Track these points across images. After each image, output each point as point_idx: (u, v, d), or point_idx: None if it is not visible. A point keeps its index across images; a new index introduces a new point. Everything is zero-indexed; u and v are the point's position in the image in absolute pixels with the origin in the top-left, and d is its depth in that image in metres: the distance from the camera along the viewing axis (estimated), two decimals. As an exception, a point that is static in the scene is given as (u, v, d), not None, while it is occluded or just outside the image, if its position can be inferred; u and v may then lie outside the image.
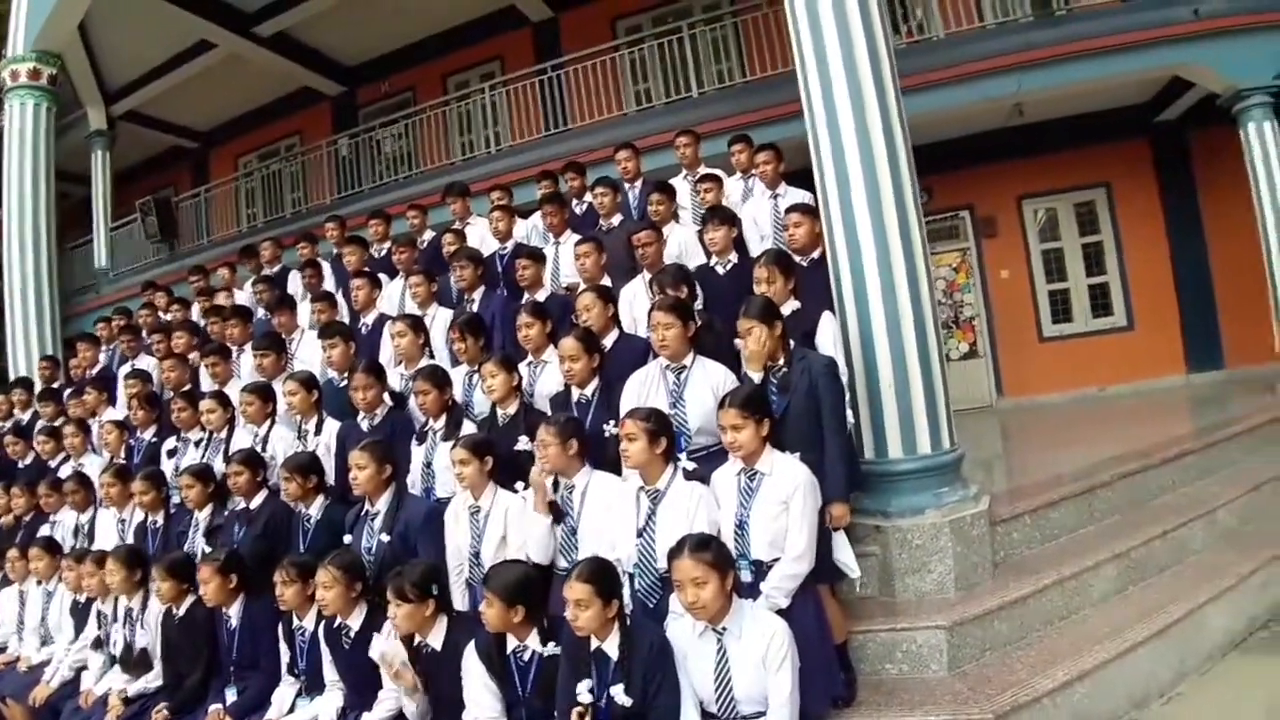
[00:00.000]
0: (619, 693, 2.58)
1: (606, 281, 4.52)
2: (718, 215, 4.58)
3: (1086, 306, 9.09)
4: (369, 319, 5.35)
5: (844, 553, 3.25)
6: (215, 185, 12.76)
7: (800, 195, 4.94)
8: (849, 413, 3.69)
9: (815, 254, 4.25)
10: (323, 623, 3.36)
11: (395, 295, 5.63)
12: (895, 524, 3.83)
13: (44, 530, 5.25)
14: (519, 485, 3.37)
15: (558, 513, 3.25)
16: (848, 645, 3.42)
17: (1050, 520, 4.34)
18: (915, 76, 6.69)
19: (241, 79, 11.81)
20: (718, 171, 5.66)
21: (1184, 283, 8.77)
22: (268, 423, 4.48)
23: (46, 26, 9.36)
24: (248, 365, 5.21)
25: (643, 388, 3.47)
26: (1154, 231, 8.85)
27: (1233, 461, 5.40)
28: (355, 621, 3.27)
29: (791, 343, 3.42)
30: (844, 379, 3.55)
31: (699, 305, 4.00)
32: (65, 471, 5.50)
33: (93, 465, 5.35)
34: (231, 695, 3.57)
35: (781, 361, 3.34)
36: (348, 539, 3.59)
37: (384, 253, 6.46)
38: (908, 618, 3.59)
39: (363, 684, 3.24)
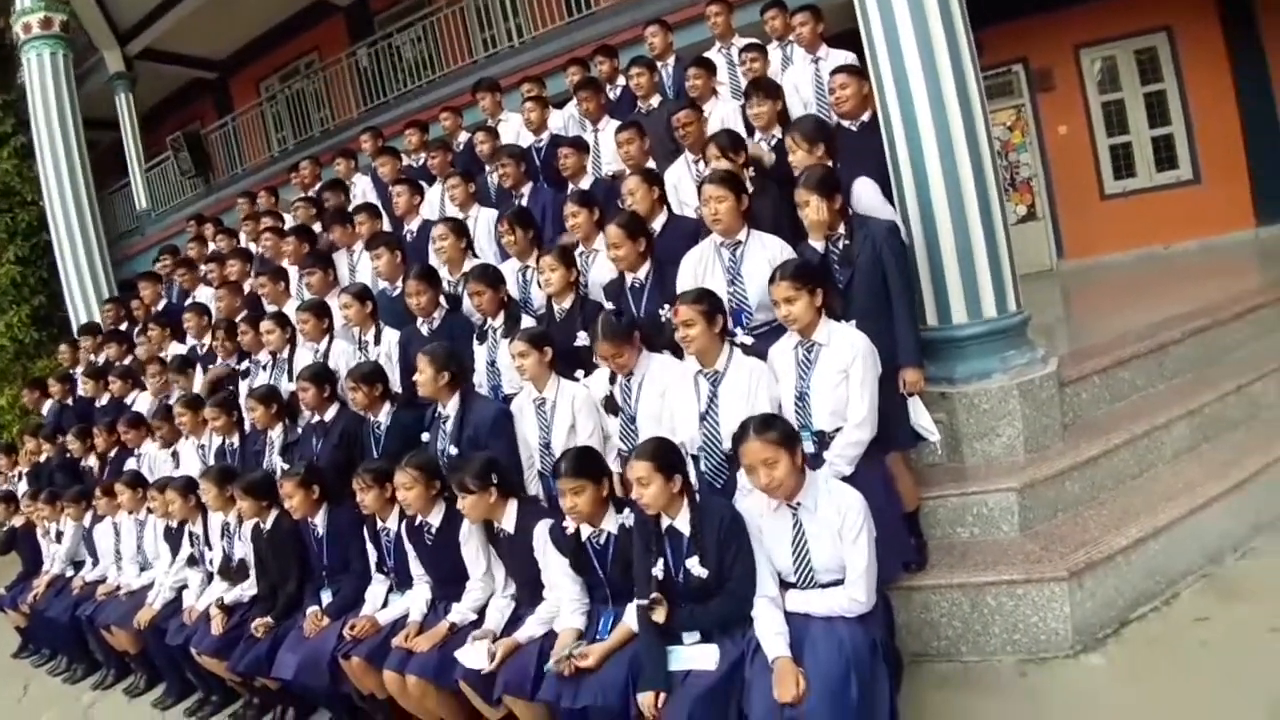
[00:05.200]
0: (694, 564, 2.60)
1: (652, 165, 4.38)
2: (761, 89, 4.33)
3: (1150, 160, 8.53)
4: (413, 226, 5.31)
5: (922, 417, 3.23)
6: (240, 112, 12.66)
7: (843, 57, 4.69)
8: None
9: (865, 117, 4.04)
10: (404, 522, 3.47)
11: (436, 200, 5.56)
12: (961, 390, 3.78)
13: (129, 464, 5.43)
14: (579, 374, 3.38)
15: (614, 406, 3.23)
16: (919, 512, 3.43)
17: (1120, 380, 4.26)
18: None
19: (250, 1, 11.51)
20: (759, 41, 5.37)
21: (1252, 132, 8.10)
22: (326, 338, 4.53)
23: (49, -27, 9.18)
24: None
25: (698, 267, 3.40)
26: (1219, 78, 8.16)
27: (1307, 315, 5.16)
28: (435, 519, 3.36)
29: (851, 211, 3.29)
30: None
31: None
32: (141, 406, 5.71)
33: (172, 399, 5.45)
34: (326, 597, 3.75)
35: (842, 231, 3.23)
36: (426, 437, 3.66)
37: (422, 161, 6.34)
38: (978, 482, 3.59)
39: (448, 577, 3.37)
